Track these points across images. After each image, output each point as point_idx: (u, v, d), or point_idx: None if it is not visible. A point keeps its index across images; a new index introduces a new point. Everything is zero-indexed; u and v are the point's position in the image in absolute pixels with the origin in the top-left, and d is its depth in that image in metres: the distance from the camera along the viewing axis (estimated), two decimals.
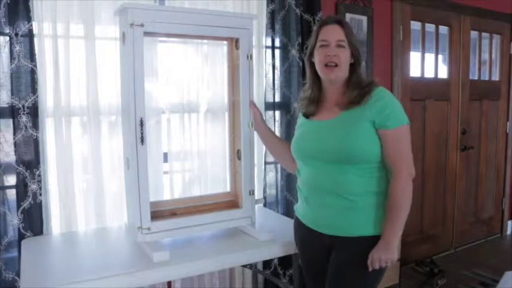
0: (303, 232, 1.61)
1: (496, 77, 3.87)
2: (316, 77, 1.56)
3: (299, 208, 1.64)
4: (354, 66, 1.50)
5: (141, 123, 1.52)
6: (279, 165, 2.43)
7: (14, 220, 1.80)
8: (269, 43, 2.34)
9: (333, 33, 1.46)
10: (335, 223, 1.48)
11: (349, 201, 1.44)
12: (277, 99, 2.41)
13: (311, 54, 1.54)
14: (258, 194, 2.33)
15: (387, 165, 1.45)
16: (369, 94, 1.43)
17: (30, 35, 1.76)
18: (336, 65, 1.45)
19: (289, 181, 2.43)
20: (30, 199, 1.81)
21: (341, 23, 1.48)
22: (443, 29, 3.43)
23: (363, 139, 1.41)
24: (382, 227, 1.44)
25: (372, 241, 1.43)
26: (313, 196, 1.54)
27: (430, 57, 3.37)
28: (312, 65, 1.55)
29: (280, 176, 2.43)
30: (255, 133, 1.80)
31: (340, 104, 1.48)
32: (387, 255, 1.41)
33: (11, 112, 1.77)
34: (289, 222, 2.09)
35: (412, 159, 1.46)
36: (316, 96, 1.56)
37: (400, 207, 1.41)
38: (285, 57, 2.40)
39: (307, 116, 1.60)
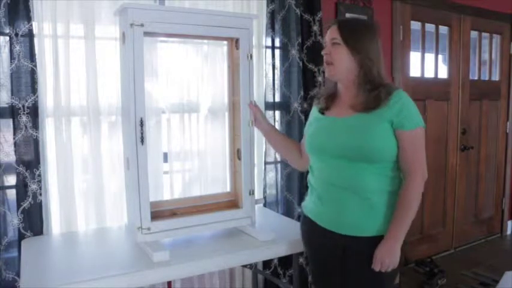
0: (312, 231, 1.60)
1: (496, 77, 3.87)
2: None
3: (309, 206, 1.62)
4: (362, 67, 1.46)
5: (141, 123, 1.52)
6: (279, 165, 2.43)
7: (14, 220, 1.80)
8: (269, 43, 2.34)
9: (329, 34, 1.50)
10: (351, 222, 1.47)
11: (366, 200, 1.44)
12: (277, 99, 2.41)
13: None
14: (258, 194, 2.33)
15: (401, 166, 1.46)
16: (387, 98, 1.42)
17: (30, 35, 1.76)
18: (331, 64, 1.48)
19: (289, 181, 2.43)
20: (30, 199, 1.81)
21: (339, 22, 1.50)
22: (443, 29, 3.43)
23: (381, 138, 1.42)
24: (388, 226, 1.44)
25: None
26: (327, 194, 1.52)
27: (430, 57, 3.38)
28: None
29: (280, 176, 2.43)
30: (255, 132, 1.80)
31: (355, 106, 1.47)
32: (391, 257, 1.42)
33: (11, 112, 1.77)
34: (289, 222, 2.10)
35: (425, 161, 1.47)
36: (332, 92, 1.58)
37: (410, 208, 1.43)
38: (285, 57, 2.39)
39: (322, 111, 1.59)
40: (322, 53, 1.50)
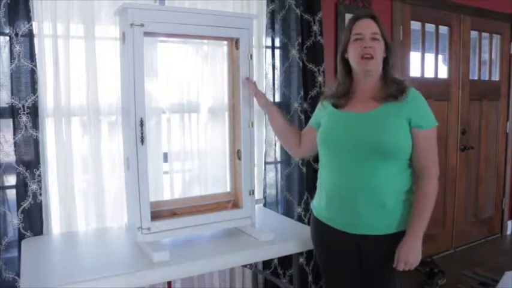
0: (323, 232, 1.59)
1: (496, 77, 3.87)
2: (347, 73, 1.57)
3: (319, 207, 1.61)
4: (387, 60, 1.52)
5: (141, 123, 1.52)
6: (279, 165, 2.43)
7: (14, 220, 1.80)
8: (269, 43, 2.34)
9: (367, 27, 1.48)
10: (364, 222, 1.47)
11: (378, 200, 1.44)
12: (277, 99, 2.41)
13: (345, 50, 1.54)
14: (258, 194, 2.33)
15: (416, 164, 1.47)
16: (405, 92, 1.46)
17: (30, 35, 1.76)
18: (372, 57, 1.47)
19: (289, 181, 2.43)
20: (30, 199, 1.81)
21: (374, 17, 1.51)
22: (443, 29, 3.43)
23: (398, 134, 1.43)
24: (408, 225, 1.46)
25: (398, 237, 1.47)
26: (338, 194, 1.51)
27: (430, 57, 3.37)
28: (345, 61, 1.55)
29: (280, 176, 2.43)
30: (255, 132, 1.80)
31: (378, 97, 1.49)
32: (414, 255, 1.45)
33: (11, 112, 1.76)
34: (289, 222, 2.10)
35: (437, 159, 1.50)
36: (347, 90, 1.57)
37: (428, 206, 1.45)
38: (285, 57, 2.39)
39: (336, 106, 1.58)
40: (364, 45, 1.46)
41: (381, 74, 1.52)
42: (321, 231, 1.61)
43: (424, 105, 1.48)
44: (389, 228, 1.47)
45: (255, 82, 1.78)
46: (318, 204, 1.62)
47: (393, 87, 1.48)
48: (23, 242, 1.75)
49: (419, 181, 1.47)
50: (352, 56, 1.50)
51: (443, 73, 3.49)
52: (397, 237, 1.47)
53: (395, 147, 1.42)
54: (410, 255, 1.44)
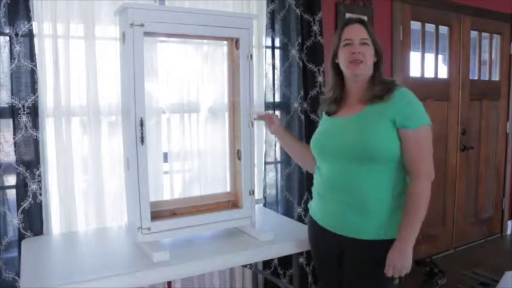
0: (315, 230, 1.62)
1: (496, 77, 3.87)
2: (339, 78, 1.57)
3: (313, 206, 1.64)
4: (377, 64, 1.52)
5: (141, 123, 1.52)
6: (279, 165, 2.43)
7: (14, 220, 1.80)
8: (269, 43, 2.34)
9: (356, 32, 1.48)
10: (348, 225, 1.47)
11: (361, 203, 1.43)
12: (277, 99, 2.41)
13: (335, 55, 1.55)
14: (258, 194, 2.33)
15: (406, 166, 1.44)
16: (391, 92, 1.44)
17: (30, 35, 1.76)
18: (361, 62, 1.47)
19: (289, 181, 2.43)
20: (30, 199, 1.81)
21: (363, 22, 1.51)
22: (443, 29, 3.43)
23: (380, 135, 1.40)
24: (398, 229, 1.42)
25: (384, 245, 1.42)
26: (327, 195, 1.54)
27: (430, 57, 3.38)
28: (336, 66, 1.56)
29: (280, 176, 2.43)
30: (255, 132, 1.81)
31: (364, 100, 1.48)
32: (403, 261, 1.39)
33: (11, 112, 1.77)
34: (289, 222, 2.10)
35: (432, 161, 1.44)
36: (338, 96, 1.57)
37: (417, 210, 1.40)
38: (285, 57, 2.40)
39: (329, 114, 1.60)
40: (353, 51, 1.46)
41: (370, 77, 1.52)
42: (313, 229, 1.63)
43: (411, 105, 1.43)
44: (372, 234, 1.43)
45: (265, 114, 1.87)
46: (312, 203, 1.66)
47: (378, 87, 1.47)
48: (23, 242, 1.75)
49: (410, 184, 1.43)
50: (342, 60, 1.51)
51: (443, 73, 3.49)
52: (384, 244, 1.43)
53: (376, 150, 1.40)
54: (398, 260, 1.39)
